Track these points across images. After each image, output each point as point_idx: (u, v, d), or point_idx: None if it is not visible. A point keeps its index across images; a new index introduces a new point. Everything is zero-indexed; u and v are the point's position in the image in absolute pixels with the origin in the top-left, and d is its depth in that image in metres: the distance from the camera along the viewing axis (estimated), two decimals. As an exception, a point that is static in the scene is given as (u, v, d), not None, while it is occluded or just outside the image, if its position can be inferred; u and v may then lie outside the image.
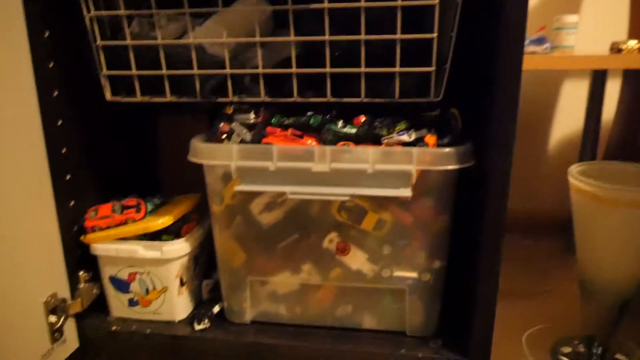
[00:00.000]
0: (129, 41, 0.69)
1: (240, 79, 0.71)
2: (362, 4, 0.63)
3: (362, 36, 0.64)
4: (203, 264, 0.87)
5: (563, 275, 1.28)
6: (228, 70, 0.69)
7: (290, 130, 0.71)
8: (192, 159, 0.71)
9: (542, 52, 1.12)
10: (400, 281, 0.74)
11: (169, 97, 0.72)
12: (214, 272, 0.86)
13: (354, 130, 0.69)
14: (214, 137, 0.74)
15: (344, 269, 0.74)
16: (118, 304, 0.82)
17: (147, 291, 0.80)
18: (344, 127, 0.69)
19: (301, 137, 0.71)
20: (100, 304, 0.83)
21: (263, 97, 0.71)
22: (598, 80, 1.33)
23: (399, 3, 0.62)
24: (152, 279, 0.79)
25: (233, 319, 0.81)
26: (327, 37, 0.65)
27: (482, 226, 0.66)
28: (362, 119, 0.70)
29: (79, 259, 0.80)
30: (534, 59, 1.00)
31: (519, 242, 1.51)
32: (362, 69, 0.66)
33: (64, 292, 0.77)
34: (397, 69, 0.65)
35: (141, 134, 1.05)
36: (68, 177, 0.78)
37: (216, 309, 0.82)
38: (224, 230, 0.76)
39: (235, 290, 0.79)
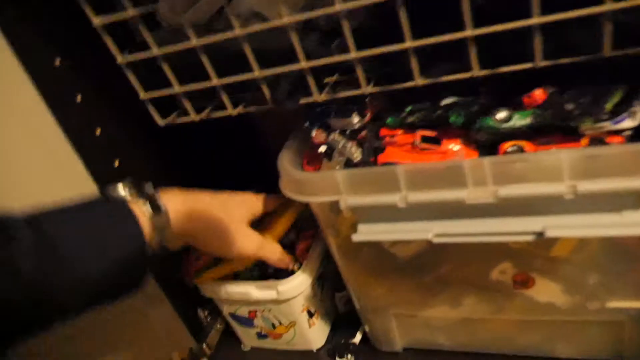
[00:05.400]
0: (155, 51, 0.47)
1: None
2: None
3: (533, -40, 0.34)
4: (331, 275, 0.71)
5: None
6: (304, 64, 0.44)
7: (419, 133, 0.45)
8: (288, 193, 0.51)
9: None
10: (617, 312, 0.50)
11: (231, 111, 0.51)
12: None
13: (527, 121, 0.41)
14: (307, 151, 0.53)
15: (526, 302, 0.52)
16: (247, 337, 0.72)
17: (274, 326, 0.68)
18: (508, 118, 0.41)
19: (438, 141, 0.45)
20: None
21: (365, 88, 0.45)
22: None
23: None
24: (275, 315, 0.66)
25: (380, 347, 0.66)
26: (462, -21, 0.36)
27: None
28: (541, 95, 0.41)
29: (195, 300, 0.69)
30: None
31: None
32: (535, 20, 0.36)
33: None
34: (608, 6, 0.34)
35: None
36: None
37: (357, 338, 0.67)
38: (348, 263, 0.57)
39: (378, 321, 0.63)
